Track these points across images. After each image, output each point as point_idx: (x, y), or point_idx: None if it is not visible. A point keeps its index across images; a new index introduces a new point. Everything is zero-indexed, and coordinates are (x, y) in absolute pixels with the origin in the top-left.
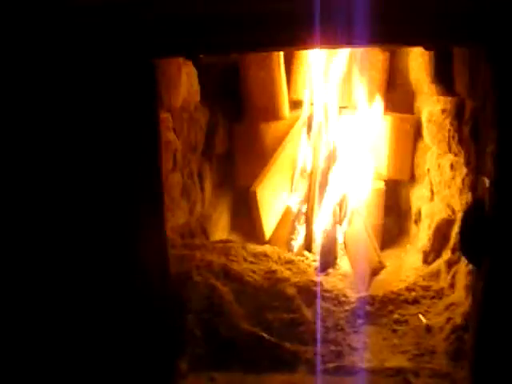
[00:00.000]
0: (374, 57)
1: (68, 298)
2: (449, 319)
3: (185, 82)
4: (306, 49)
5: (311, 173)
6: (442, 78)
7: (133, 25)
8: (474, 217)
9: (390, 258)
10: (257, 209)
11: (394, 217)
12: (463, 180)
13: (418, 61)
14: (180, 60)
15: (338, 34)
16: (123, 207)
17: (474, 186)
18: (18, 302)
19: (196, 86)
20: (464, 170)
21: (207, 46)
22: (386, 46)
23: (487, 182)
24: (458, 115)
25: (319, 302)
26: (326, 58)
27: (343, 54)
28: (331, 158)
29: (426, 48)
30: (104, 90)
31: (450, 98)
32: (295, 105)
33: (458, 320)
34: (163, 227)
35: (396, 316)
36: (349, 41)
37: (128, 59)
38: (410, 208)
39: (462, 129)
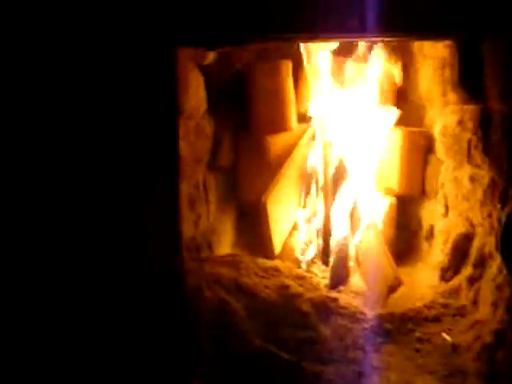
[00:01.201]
0: (386, 69)
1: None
2: (477, 337)
3: (193, 88)
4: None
5: (324, 186)
6: (469, 83)
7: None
8: None
9: (401, 275)
10: (266, 221)
11: (403, 233)
12: (484, 191)
13: (429, 72)
14: (189, 64)
15: (360, 23)
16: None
17: (504, 196)
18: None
19: (203, 93)
20: (486, 181)
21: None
22: (412, 38)
23: None
24: (483, 123)
25: (336, 319)
26: (336, 69)
27: (353, 65)
28: (342, 172)
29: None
30: (134, 73)
31: (471, 107)
32: (303, 117)
33: (487, 338)
34: (179, 234)
35: (418, 334)
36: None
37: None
38: (420, 224)
39: (488, 136)
